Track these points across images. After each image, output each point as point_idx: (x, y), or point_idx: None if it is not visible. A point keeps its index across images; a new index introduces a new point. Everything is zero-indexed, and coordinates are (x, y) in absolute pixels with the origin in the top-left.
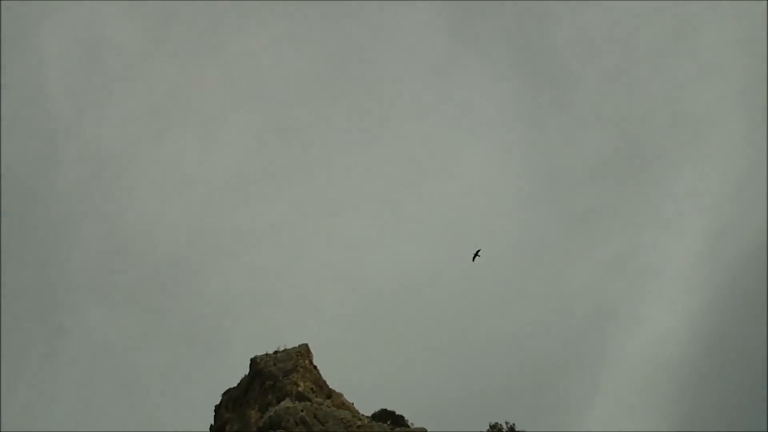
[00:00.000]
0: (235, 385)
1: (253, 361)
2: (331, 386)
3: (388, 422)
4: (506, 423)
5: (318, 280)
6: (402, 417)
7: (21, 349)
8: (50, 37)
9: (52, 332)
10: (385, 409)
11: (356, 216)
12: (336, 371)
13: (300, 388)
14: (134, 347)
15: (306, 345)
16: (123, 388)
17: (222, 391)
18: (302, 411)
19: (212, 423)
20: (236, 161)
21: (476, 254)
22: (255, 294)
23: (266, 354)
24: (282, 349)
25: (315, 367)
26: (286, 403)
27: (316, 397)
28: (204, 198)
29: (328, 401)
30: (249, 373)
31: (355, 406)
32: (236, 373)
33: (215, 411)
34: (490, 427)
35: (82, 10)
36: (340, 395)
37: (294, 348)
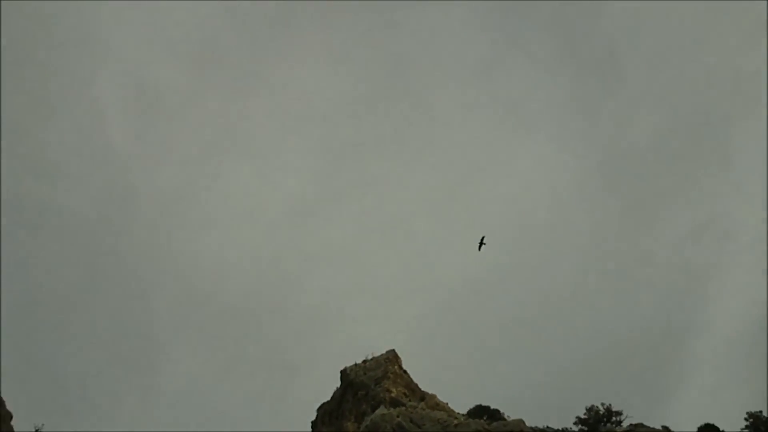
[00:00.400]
0: (329, 399)
1: (344, 373)
2: (422, 388)
3: (485, 417)
4: (602, 404)
5: (391, 290)
6: (498, 411)
7: (117, 392)
8: (102, 90)
9: (144, 372)
10: (480, 405)
11: (420, 223)
12: (425, 374)
13: (393, 394)
14: (223, 379)
15: (393, 351)
16: (217, 419)
17: (316, 407)
18: (398, 416)
19: None
20: (295, 186)
21: (481, 242)
22: (333, 312)
23: (355, 364)
24: (370, 357)
25: (405, 371)
26: (381, 410)
27: (410, 401)
28: (269, 226)
29: (423, 404)
30: (341, 385)
31: (450, 405)
32: (328, 388)
33: (312, 427)
34: (587, 410)
35: (127, 58)
36: (433, 396)
37: (382, 355)
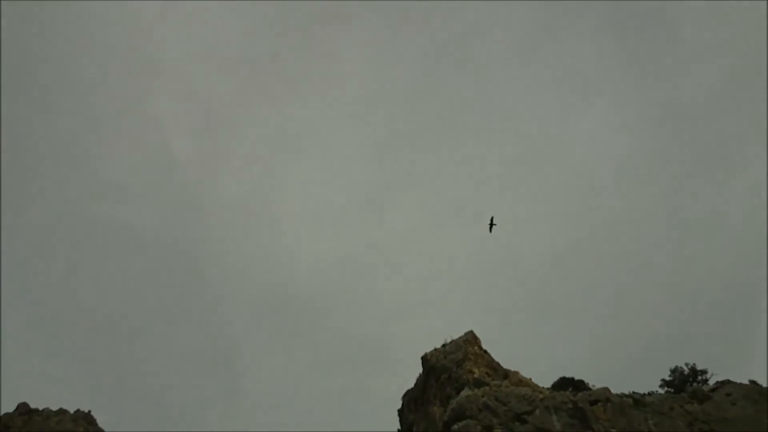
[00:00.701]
0: (413, 385)
1: (424, 359)
2: (504, 367)
3: (570, 389)
4: (686, 365)
5: (465, 274)
6: (582, 381)
7: (203, 398)
8: (159, 105)
9: (227, 377)
10: (564, 377)
11: (487, 205)
12: (507, 353)
13: (476, 375)
14: (306, 378)
15: (472, 332)
16: (304, 418)
17: (401, 395)
18: (483, 396)
19: (399, 428)
20: (359, 181)
21: (491, 224)
22: (410, 301)
23: (435, 349)
24: (449, 341)
25: (485, 351)
26: (466, 392)
27: (493, 380)
28: (337, 222)
29: (506, 382)
30: (423, 371)
31: (533, 380)
32: (411, 376)
33: (399, 415)
34: (671, 372)
35: (181, 74)
36: (516, 373)
37: (461, 337)
